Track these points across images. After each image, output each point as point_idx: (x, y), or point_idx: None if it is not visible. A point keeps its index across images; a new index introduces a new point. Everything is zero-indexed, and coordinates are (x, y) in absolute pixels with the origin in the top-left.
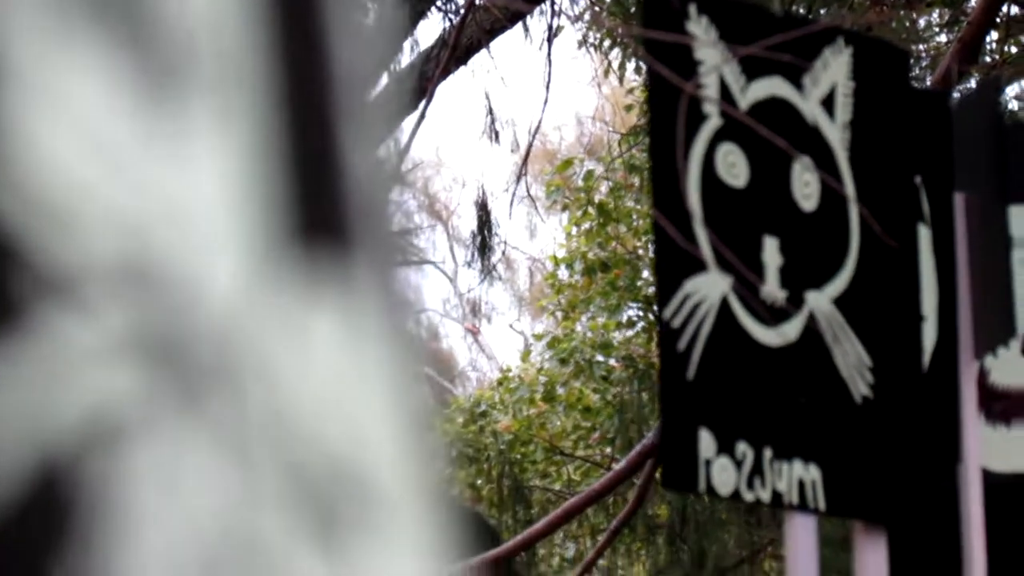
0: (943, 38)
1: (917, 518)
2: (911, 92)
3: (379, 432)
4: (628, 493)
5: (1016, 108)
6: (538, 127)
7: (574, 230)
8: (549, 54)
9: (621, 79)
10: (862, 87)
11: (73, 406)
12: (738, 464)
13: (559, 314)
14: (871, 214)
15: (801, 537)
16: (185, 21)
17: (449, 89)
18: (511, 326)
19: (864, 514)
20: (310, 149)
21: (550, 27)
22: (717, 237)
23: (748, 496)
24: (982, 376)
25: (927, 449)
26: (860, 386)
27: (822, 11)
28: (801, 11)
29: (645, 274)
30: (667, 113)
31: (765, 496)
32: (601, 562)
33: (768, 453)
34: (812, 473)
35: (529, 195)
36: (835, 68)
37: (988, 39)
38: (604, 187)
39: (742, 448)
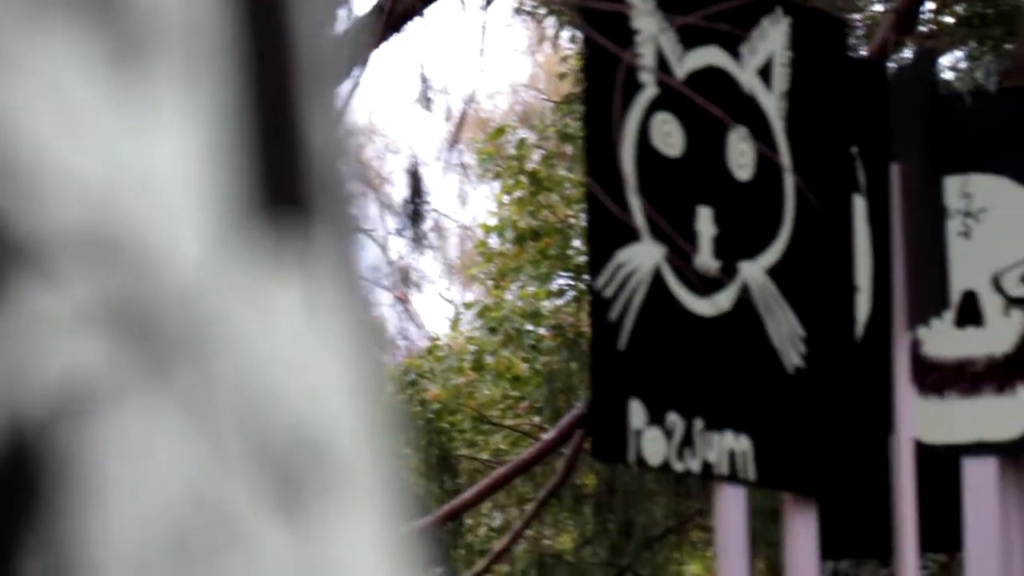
0: (878, 7)
1: (848, 490)
2: (848, 62)
3: (338, 401)
4: (556, 463)
5: (951, 78)
6: (471, 95)
7: (505, 198)
8: (484, 22)
9: (555, 47)
10: (800, 57)
11: (45, 375)
12: (668, 435)
13: (489, 283)
14: (807, 184)
15: (731, 508)
16: None
17: (383, 56)
18: (441, 294)
19: (795, 485)
20: (271, 121)
21: None
22: (651, 206)
23: (678, 467)
24: (915, 347)
25: (859, 420)
26: (793, 357)
27: None
28: None
29: (576, 243)
30: (603, 82)
31: (695, 467)
32: (527, 532)
33: (699, 424)
34: (743, 444)
35: (461, 163)
36: (773, 38)
37: (923, 9)
38: (536, 155)
39: (673, 419)
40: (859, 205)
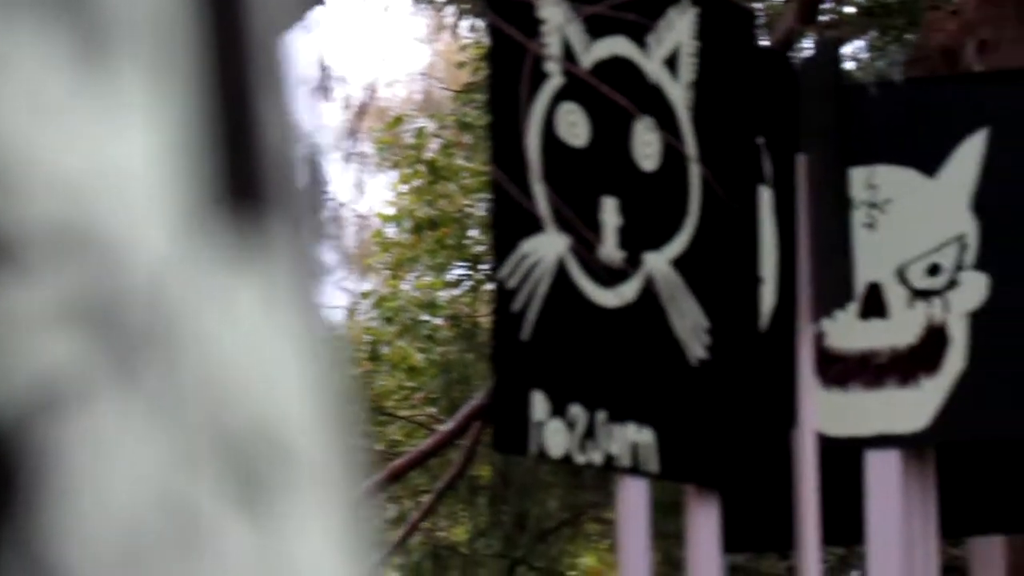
0: None
1: (751, 482)
2: (755, 53)
3: (296, 396)
4: (451, 454)
5: (856, 69)
6: (371, 84)
7: (403, 188)
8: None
9: (455, 36)
10: (707, 47)
11: (20, 373)
12: (571, 427)
13: (386, 272)
14: (712, 175)
15: (633, 501)
16: None
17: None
18: (337, 284)
19: (698, 478)
20: (229, 118)
21: None
22: (556, 197)
23: (580, 459)
24: (819, 339)
25: (763, 413)
26: (697, 348)
27: None
28: None
29: (473, 233)
30: (508, 71)
31: (598, 459)
32: (422, 523)
33: (601, 416)
34: (646, 436)
35: (359, 152)
36: (680, 28)
37: None
38: (435, 145)
39: (575, 411)
40: (765, 196)
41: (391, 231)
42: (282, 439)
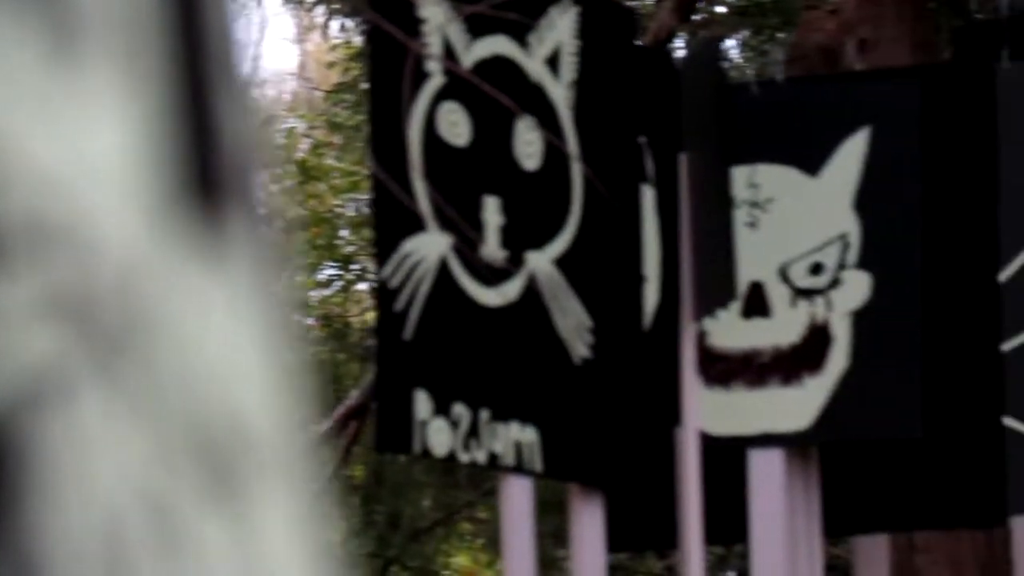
0: None
1: (635, 481)
2: (637, 52)
3: (261, 387)
4: (325, 455)
5: (738, 68)
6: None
7: (273, 188)
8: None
9: (325, 36)
10: (588, 46)
11: (3, 367)
12: (454, 425)
13: None
14: (595, 174)
15: (516, 499)
16: None
17: None
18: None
19: (582, 476)
20: (192, 113)
21: None
22: (438, 196)
23: (464, 458)
24: (701, 338)
25: (646, 412)
26: (580, 348)
27: None
28: None
29: (344, 233)
30: (389, 70)
31: (481, 458)
32: None
33: (485, 415)
34: (529, 435)
35: None
36: (561, 27)
37: None
38: (305, 145)
39: (459, 409)
40: (647, 195)
41: None
42: (249, 431)
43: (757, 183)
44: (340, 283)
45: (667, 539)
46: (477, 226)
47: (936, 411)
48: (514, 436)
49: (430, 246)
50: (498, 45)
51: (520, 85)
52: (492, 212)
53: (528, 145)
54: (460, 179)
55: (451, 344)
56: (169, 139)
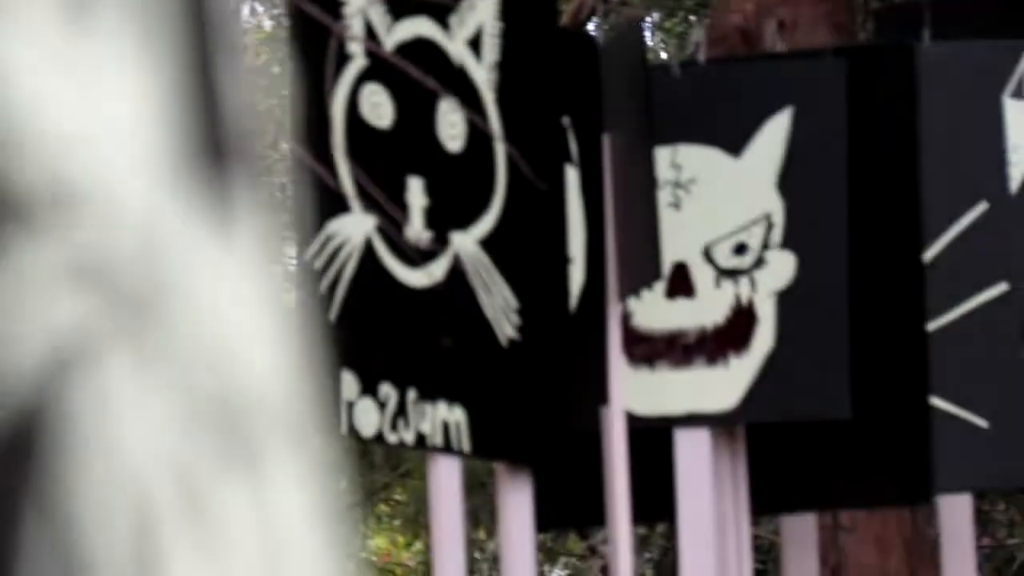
0: None
1: (562, 460)
2: (559, 33)
3: (272, 352)
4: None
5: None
6: None
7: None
8: None
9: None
10: (510, 28)
11: (32, 332)
12: (381, 406)
13: None
14: (519, 155)
15: (445, 479)
16: None
17: None
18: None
19: (509, 456)
20: (201, 80)
21: None
22: (362, 178)
23: (392, 438)
24: (625, 319)
25: (573, 391)
26: (506, 328)
27: None
28: None
29: None
30: (311, 52)
31: (409, 438)
32: None
33: (412, 395)
34: (457, 415)
35: None
36: (482, 8)
37: None
38: None
39: (385, 390)
40: (571, 176)
41: None
42: (263, 396)
43: (680, 164)
44: None
45: (593, 517)
46: (402, 207)
47: (863, 391)
48: (442, 416)
49: (354, 227)
50: (420, 27)
51: (443, 67)
52: (416, 193)
53: (451, 127)
54: (384, 161)
55: (377, 325)
56: (180, 106)
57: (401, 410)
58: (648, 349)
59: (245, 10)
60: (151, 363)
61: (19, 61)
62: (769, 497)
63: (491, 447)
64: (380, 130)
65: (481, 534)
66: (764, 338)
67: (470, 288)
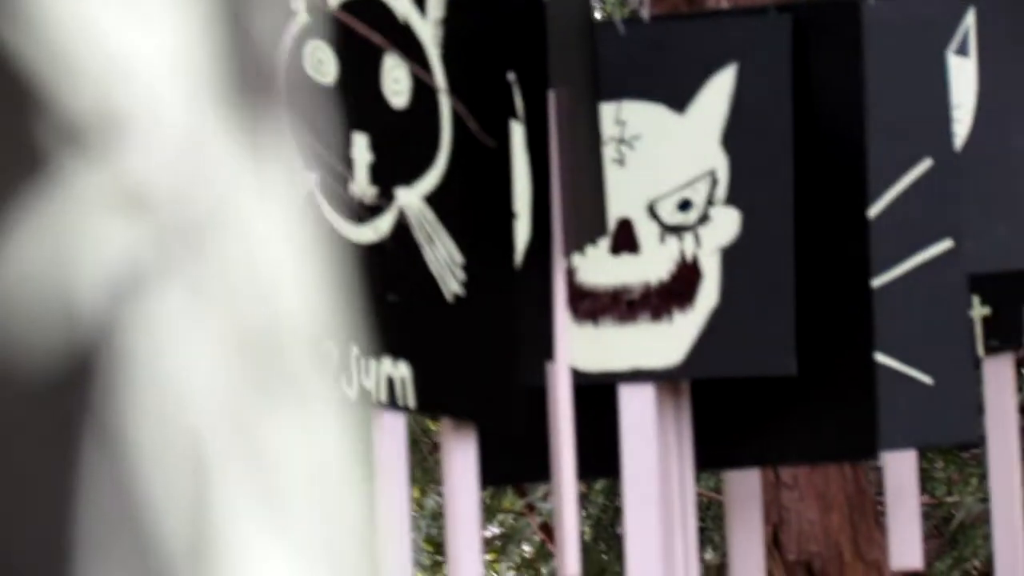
0: None
1: (508, 416)
2: None
3: (308, 286)
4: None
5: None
6: None
7: None
8: None
9: None
10: None
11: (92, 258)
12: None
13: None
14: (465, 111)
15: (390, 436)
16: None
17: None
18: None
19: (455, 411)
20: (235, 13)
21: None
22: (304, 135)
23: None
24: (570, 274)
25: (519, 347)
26: (452, 284)
27: None
28: None
29: None
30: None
31: (352, 394)
32: None
33: (355, 350)
34: (402, 370)
35: None
36: None
37: None
38: None
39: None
40: (517, 132)
41: None
42: (302, 329)
43: (624, 120)
44: None
45: (537, 473)
46: (347, 163)
47: (808, 347)
48: (386, 372)
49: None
50: None
51: (387, 23)
52: (361, 150)
53: (395, 83)
54: (327, 117)
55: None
56: (218, 36)
57: (344, 366)
58: (592, 305)
59: None
60: (200, 293)
61: None
62: (714, 453)
63: (436, 402)
64: (323, 86)
65: (415, 492)
66: (708, 294)
67: (415, 244)
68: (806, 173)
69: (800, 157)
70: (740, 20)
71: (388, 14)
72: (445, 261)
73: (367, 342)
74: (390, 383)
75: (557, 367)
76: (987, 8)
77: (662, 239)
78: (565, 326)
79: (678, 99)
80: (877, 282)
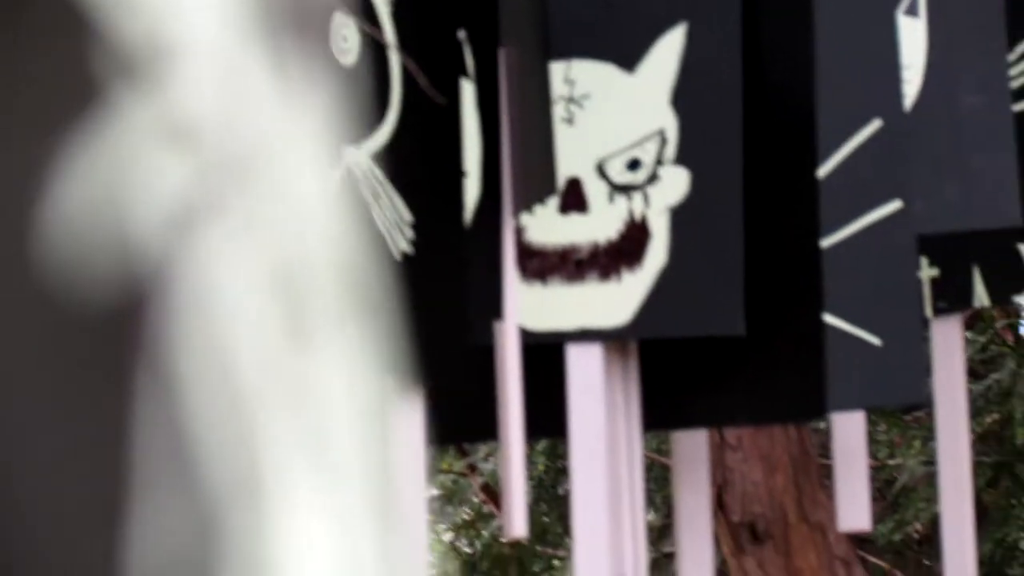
0: None
1: (455, 375)
2: None
3: (338, 229)
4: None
5: None
6: None
7: None
8: None
9: None
10: None
11: (145, 189)
12: None
13: None
14: (416, 68)
15: None
16: None
17: None
18: None
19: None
20: None
21: None
22: None
23: None
24: (518, 233)
25: (467, 306)
26: (400, 242)
27: None
28: None
29: None
30: None
31: None
32: None
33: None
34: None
35: None
36: None
37: None
38: None
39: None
40: (468, 90)
41: None
42: (339, 267)
43: (573, 79)
44: None
45: (483, 432)
46: None
47: (756, 307)
48: None
49: None
50: None
51: None
52: None
53: (344, 41)
54: None
55: None
56: None
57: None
58: (541, 264)
59: None
60: (247, 227)
61: None
62: (662, 413)
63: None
64: None
65: None
66: (657, 254)
67: (364, 202)
68: (755, 133)
69: (749, 117)
70: None
71: None
72: (393, 220)
73: None
74: None
75: (505, 326)
76: None
77: (611, 198)
78: (514, 285)
79: (628, 58)
80: (826, 243)
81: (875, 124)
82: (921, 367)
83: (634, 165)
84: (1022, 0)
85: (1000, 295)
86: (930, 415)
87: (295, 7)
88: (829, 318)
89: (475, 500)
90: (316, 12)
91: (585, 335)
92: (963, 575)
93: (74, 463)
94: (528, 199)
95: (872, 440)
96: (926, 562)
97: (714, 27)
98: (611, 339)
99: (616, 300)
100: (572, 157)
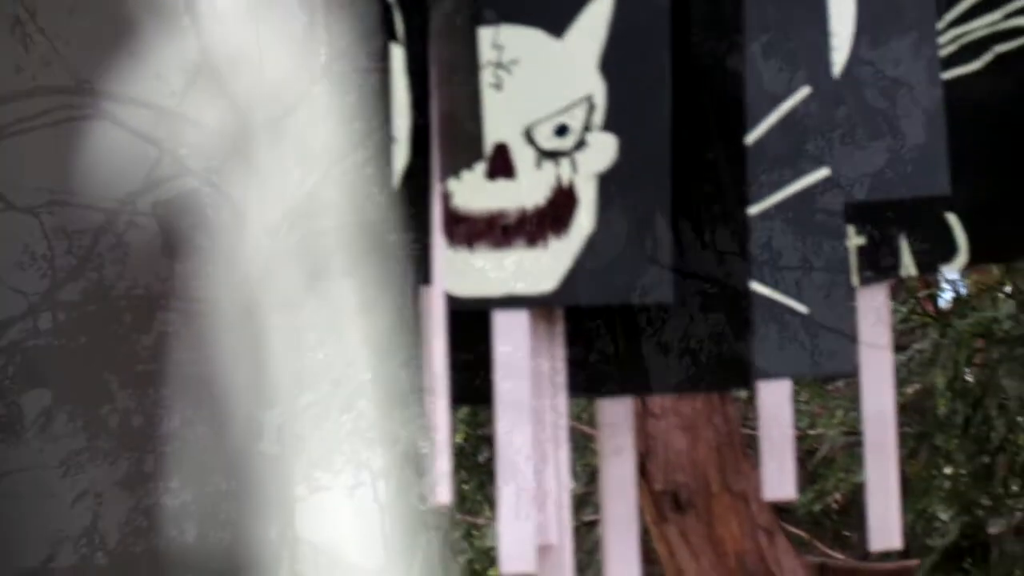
0: None
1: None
2: None
3: (358, 165)
4: None
5: None
6: None
7: None
8: None
9: None
10: None
11: (180, 126)
12: None
13: None
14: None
15: None
16: None
17: None
18: None
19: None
20: None
21: None
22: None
23: None
24: (445, 199)
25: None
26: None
27: None
28: None
29: None
30: None
31: None
32: None
33: None
34: None
35: None
36: None
37: None
38: None
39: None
40: (397, 55)
41: None
42: (351, 211)
43: (502, 44)
44: None
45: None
46: None
47: (684, 275)
48: None
49: None
50: None
51: None
52: None
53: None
54: None
55: None
56: None
57: None
58: (468, 230)
59: None
60: (270, 163)
61: None
62: (587, 380)
63: None
64: None
65: None
66: (584, 221)
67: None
68: (684, 100)
69: (678, 84)
70: None
71: None
72: None
73: None
74: None
75: (432, 292)
76: None
77: (538, 164)
78: (441, 251)
79: (556, 23)
80: (754, 210)
81: (804, 91)
82: (848, 336)
83: (562, 131)
84: None
85: (928, 265)
86: (851, 385)
87: None
88: (756, 286)
89: None
90: None
91: (511, 302)
92: (888, 543)
93: (124, 381)
94: (455, 165)
95: (793, 410)
96: (845, 532)
97: None
98: (538, 306)
99: (543, 267)
100: (500, 123)
